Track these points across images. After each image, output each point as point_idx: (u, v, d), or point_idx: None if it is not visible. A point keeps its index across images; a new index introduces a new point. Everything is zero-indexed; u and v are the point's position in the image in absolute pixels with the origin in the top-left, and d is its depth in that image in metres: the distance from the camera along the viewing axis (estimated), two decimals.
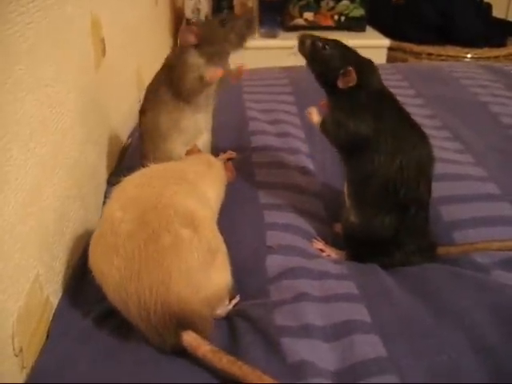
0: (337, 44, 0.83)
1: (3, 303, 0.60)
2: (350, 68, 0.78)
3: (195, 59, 0.93)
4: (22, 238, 0.65)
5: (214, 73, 0.92)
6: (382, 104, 0.81)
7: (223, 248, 0.72)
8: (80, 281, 0.81)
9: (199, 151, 0.93)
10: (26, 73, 0.66)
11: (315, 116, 0.86)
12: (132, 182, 0.74)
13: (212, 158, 0.90)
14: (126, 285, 0.64)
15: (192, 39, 0.91)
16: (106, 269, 0.66)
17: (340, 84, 0.79)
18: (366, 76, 0.81)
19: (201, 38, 0.91)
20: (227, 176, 0.89)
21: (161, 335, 0.64)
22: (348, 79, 0.79)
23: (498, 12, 2.57)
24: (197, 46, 0.92)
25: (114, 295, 0.66)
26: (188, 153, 0.92)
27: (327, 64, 0.82)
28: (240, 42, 0.93)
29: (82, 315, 0.73)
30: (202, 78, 0.93)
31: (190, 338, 0.63)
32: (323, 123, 0.85)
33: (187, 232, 0.67)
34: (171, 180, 0.75)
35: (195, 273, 0.66)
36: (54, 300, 0.75)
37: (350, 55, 0.82)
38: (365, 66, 0.81)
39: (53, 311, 0.74)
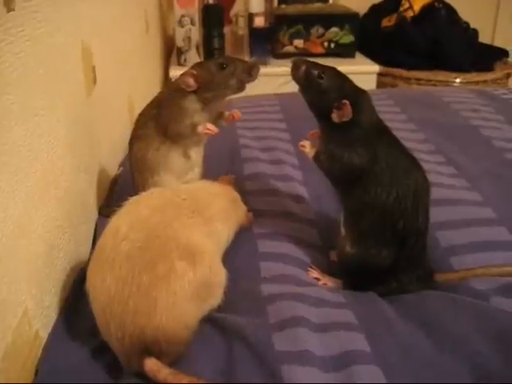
0: (333, 73, 0.80)
1: None
2: (346, 101, 0.75)
3: (191, 104, 0.91)
4: (9, 272, 0.63)
5: (207, 129, 0.91)
6: (376, 135, 0.79)
7: (223, 284, 0.73)
8: (71, 314, 0.78)
9: (232, 182, 0.95)
10: (15, 102, 0.65)
11: (309, 149, 0.85)
12: (148, 202, 0.76)
13: (239, 198, 0.91)
14: (113, 306, 0.65)
15: (192, 84, 0.89)
16: (99, 283, 0.67)
17: (334, 118, 0.77)
18: (361, 108, 0.78)
19: (200, 82, 0.89)
20: (245, 221, 0.91)
21: (128, 359, 0.65)
22: (343, 113, 0.76)
23: (484, 38, 2.61)
24: (195, 91, 0.90)
25: (99, 312, 0.67)
26: (222, 181, 0.94)
27: (322, 94, 0.79)
28: (240, 88, 0.90)
29: (73, 350, 0.71)
30: (195, 126, 0.91)
31: (151, 364, 0.64)
32: (317, 156, 0.83)
33: (183, 264, 0.67)
34: (185, 211, 0.76)
35: (182, 306, 0.66)
36: (44, 334, 0.73)
37: (346, 86, 0.79)
38: (360, 98, 0.78)
39: (42, 346, 0.71)
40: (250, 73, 0.89)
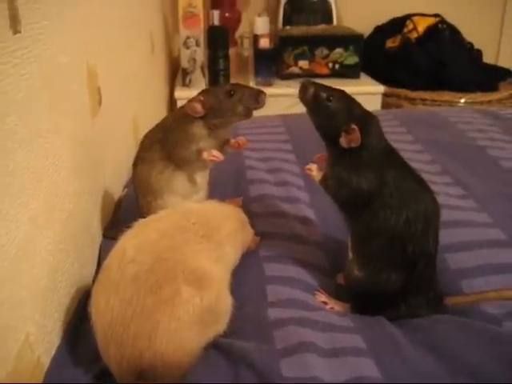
0: (342, 96, 0.79)
1: None
2: (354, 126, 0.74)
3: (198, 130, 0.90)
4: (12, 297, 0.62)
5: (214, 156, 0.90)
6: (385, 159, 0.78)
7: (229, 311, 0.72)
8: (74, 339, 0.77)
9: (240, 205, 0.95)
10: (19, 124, 0.65)
11: (315, 173, 0.83)
12: (157, 225, 0.75)
13: (247, 221, 0.91)
14: (115, 328, 0.64)
15: (200, 110, 0.89)
16: (102, 305, 0.66)
17: (343, 143, 0.76)
18: (370, 132, 0.76)
19: (208, 108, 0.89)
20: (251, 244, 0.91)
21: (122, 382, 0.65)
22: (351, 138, 0.75)
23: (488, 58, 2.62)
24: (202, 117, 0.90)
25: (101, 334, 0.66)
26: (231, 202, 0.94)
27: (330, 118, 0.78)
28: (247, 114, 0.90)
29: (75, 377, 0.70)
30: (201, 152, 0.91)
31: None
32: (324, 180, 0.82)
33: (189, 290, 0.67)
34: (194, 237, 0.75)
35: (184, 332, 0.66)
36: (46, 360, 0.71)
37: (355, 110, 0.78)
38: (369, 122, 0.77)
39: (44, 373, 0.70)
40: (257, 99, 0.89)
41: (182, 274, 0.67)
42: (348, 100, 0.79)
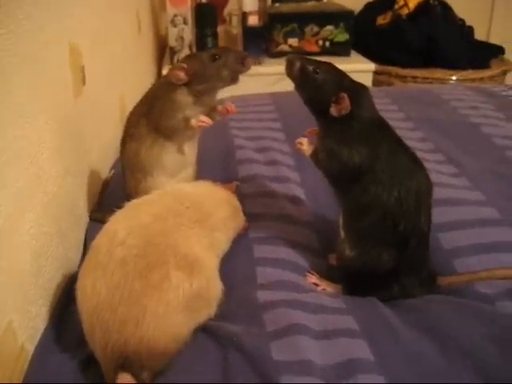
0: (329, 68, 0.78)
1: None
2: (344, 94, 0.73)
3: (184, 98, 0.87)
4: None
5: (201, 121, 0.88)
6: (377, 132, 0.76)
7: (218, 297, 0.71)
8: (59, 324, 0.75)
9: (235, 190, 0.93)
10: None
11: (306, 147, 0.82)
12: (149, 208, 0.73)
13: (240, 207, 0.89)
14: (101, 312, 0.63)
15: (183, 77, 0.86)
16: (89, 287, 0.64)
17: (333, 112, 0.74)
18: (360, 103, 0.75)
19: (191, 74, 0.86)
20: (242, 229, 0.89)
21: (107, 371, 0.63)
22: (341, 107, 0.74)
23: (479, 35, 2.59)
24: (186, 84, 0.87)
25: (86, 317, 0.65)
26: (226, 187, 0.91)
27: (318, 90, 0.76)
28: (233, 79, 0.88)
29: (62, 362, 0.68)
30: (188, 120, 0.88)
31: (123, 380, 0.62)
32: (315, 154, 0.80)
33: (179, 275, 0.65)
34: (187, 222, 0.73)
35: (172, 317, 0.64)
36: (30, 347, 0.69)
37: (343, 80, 0.77)
38: (359, 92, 0.76)
39: (28, 359, 0.68)
40: (243, 63, 0.87)
41: (173, 259, 0.66)
42: (335, 71, 0.78)
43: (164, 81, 0.91)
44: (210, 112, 0.91)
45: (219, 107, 0.92)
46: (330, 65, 0.79)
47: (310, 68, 0.77)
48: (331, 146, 0.77)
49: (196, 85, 0.87)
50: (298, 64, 0.79)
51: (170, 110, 0.88)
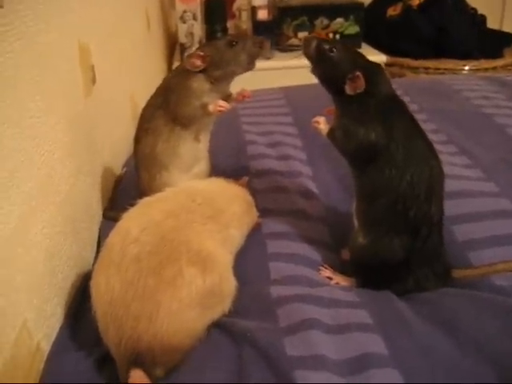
0: (344, 47, 0.79)
1: None
2: (358, 73, 0.73)
3: (200, 84, 0.87)
4: (6, 282, 0.60)
5: (219, 106, 0.87)
6: (393, 111, 0.77)
7: (232, 294, 0.71)
8: (75, 322, 0.76)
9: (246, 185, 0.92)
10: (6, 104, 0.62)
11: (323, 125, 0.82)
12: (162, 205, 0.74)
13: (253, 203, 0.89)
14: (115, 308, 0.63)
15: (199, 63, 0.86)
16: (103, 284, 0.65)
17: (348, 90, 0.75)
18: (376, 81, 0.76)
19: (208, 61, 0.86)
20: (255, 225, 0.89)
21: (120, 367, 0.63)
22: (356, 85, 0.74)
23: (492, 23, 2.56)
24: (203, 70, 0.87)
25: (100, 314, 0.65)
26: (237, 183, 0.91)
27: (334, 68, 0.77)
28: (251, 63, 0.88)
29: (78, 361, 0.68)
30: (205, 106, 0.88)
31: (135, 377, 0.62)
32: (331, 132, 0.80)
33: (192, 271, 0.65)
34: (199, 219, 0.74)
35: (186, 313, 0.64)
36: (46, 346, 0.70)
37: (358, 59, 0.77)
38: (374, 71, 0.76)
39: (44, 358, 0.69)
40: (261, 46, 0.87)
41: (186, 255, 0.66)
42: (351, 50, 0.79)
43: (179, 69, 0.91)
44: (226, 100, 0.90)
45: (234, 94, 0.92)
46: (344, 44, 0.80)
47: (326, 47, 0.78)
48: (347, 124, 0.77)
49: (213, 71, 0.87)
50: (314, 43, 0.79)
51: (186, 98, 0.88)
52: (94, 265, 0.71)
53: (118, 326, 0.63)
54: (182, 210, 0.73)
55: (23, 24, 0.69)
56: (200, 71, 0.87)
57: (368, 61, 0.78)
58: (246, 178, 1.00)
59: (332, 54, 0.77)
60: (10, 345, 0.59)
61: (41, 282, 0.70)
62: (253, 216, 0.88)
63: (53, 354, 0.70)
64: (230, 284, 0.71)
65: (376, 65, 0.78)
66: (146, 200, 0.76)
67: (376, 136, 0.75)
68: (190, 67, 0.86)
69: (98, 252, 0.89)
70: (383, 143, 0.74)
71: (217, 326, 0.69)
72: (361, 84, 0.74)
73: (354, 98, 0.75)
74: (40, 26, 0.75)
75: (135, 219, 0.71)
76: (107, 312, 0.64)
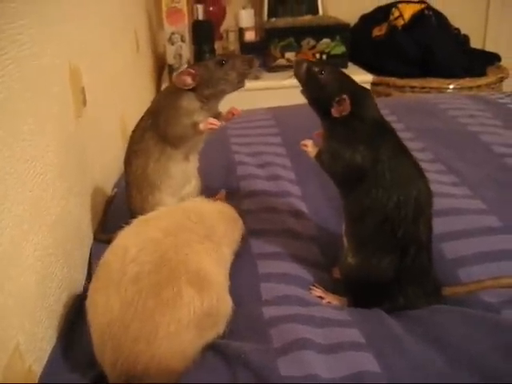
0: (333, 70, 0.80)
1: None
2: (345, 96, 0.75)
3: (190, 103, 0.88)
4: None
5: (210, 123, 0.88)
6: (380, 133, 0.78)
7: (228, 315, 0.71)
8: (67, 345, 0.75)
9: (225, 198, 0.92)
10: None
11: (311, 148, 0.83)
12: (158, 224, 0.73)
13: (238, 217, 0.89)
14: (113, 328, 0.62)
15: (189, 82, 0.86)
16: (101, 303, 0.64)
17: (334, 112, 0.76)
18: (362, 104, 0.77)
19: (199, 79, 0.87)
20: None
21: None
22: (342, 108, 0.75)
23: (475, 43, 2.61)
24: (193, 89, 0.87)
25: (97, 333, 0.64)
26: (218, 199, 0.91)
27: (321, 90, 0.79)
28: (241, 82, 0.89)
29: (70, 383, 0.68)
30: (196, 125, 0.88)
31: None
32: (319, 154, 0.81)
33: (190, 291, 0.65)
34: (196, 237, 0.73)
35: (183, 335, 0.64)
36: (38, 369, 0.69)
37: (345, 82, 0.79)
38: (361, 94, 0.78)
39: (36, 381, 0.68)
40: (250, 64, 0.88)
41: (185, 276, 0.66)
42: (339, 73, 0.80)
43: (168, 90, 0.91)
44: (216, 118, 0.91)
45: (223, 112, 0.92)
46: (334, 67, 0.81)
47: (316, 69, 0.80)
48: (334, 146, 0.78)
49: (203, 89, 0.87)
50: (304, 66, 0.81)
51: (176, 117, 0.88)
52: (84, 286, 0.70)
53: (115, 346, 0.62)
54: (180, 229, 0.73)
55: (16, 48, 0.69)
56: (190, 90, 0.87)
57: (356, 84, 0.79)
58: (223, 192, 1.01)
59: (321, 76, 0.79)
60: (1, 368, 0.59)
61: (32, 305, 0.70)
62: (239, 229, 0.88)
63: (45, 376, 0.69)
64: (227, 304, 0.71)
65: (363, 89, 0.80)
66: (141, 218, 0.76)
67: (362, 158, 0.76)
68: (180, 85, 0.87)
69: (89, 273, 0.89)
70: (369, 165, 0.75)
71: (211, 347, 0.69)
72: (346, 107, 0.75)
73: (341, 120, 0.76)
74: (32, 49, 0.75)
75: (132, 238, 0.70)
76: (105, 331, 0.63)
